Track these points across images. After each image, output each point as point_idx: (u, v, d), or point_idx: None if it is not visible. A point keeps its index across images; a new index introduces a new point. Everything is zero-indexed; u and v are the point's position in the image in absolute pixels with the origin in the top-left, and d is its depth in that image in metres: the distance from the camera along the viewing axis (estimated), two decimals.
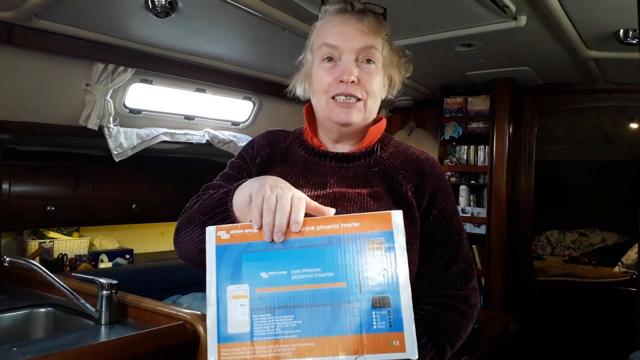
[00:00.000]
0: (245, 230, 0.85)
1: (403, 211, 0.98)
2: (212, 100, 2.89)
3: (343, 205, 1.01)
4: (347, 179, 1.05)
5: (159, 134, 2.69)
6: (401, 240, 0.83)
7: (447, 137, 3.41)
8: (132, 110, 2.59)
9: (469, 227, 3.36)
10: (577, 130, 5.18)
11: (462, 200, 3.39)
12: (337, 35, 1.02)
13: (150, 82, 2.54)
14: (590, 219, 5.89)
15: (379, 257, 0.81)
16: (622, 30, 2.11)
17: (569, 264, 5.29)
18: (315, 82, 1.05)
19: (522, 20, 2.01)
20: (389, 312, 0.79)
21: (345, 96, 1.01)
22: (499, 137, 3.21)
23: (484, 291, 3.24)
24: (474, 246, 3.33)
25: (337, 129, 1.07)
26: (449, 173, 3.44)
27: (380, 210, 0.97)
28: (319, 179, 1.05)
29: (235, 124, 3.14)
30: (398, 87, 1.12)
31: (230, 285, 0.82)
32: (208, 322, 0.81)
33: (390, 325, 0.78)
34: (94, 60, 2.21)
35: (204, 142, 2.91)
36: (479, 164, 3.34)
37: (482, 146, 3.33)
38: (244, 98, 3.03)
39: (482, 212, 3.30)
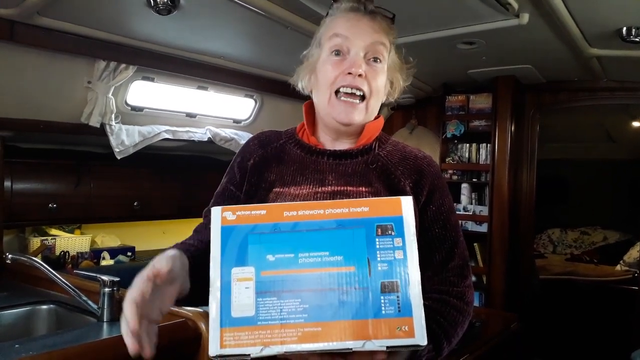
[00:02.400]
0: (253, 212, 0.83)
1: None
2: (213, 98, 2.89)
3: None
4: (345, 176, 1.05)
5: (160, 131, 2.69)
6: (411, 225, 0.82)
7: (448, 135, 3.41)
8: (133, 108, 2.60)
9: (470, 225, 3.36)
10: (579, 129, 5.17)
11: (464, 199, 3.39)
12: (349, 28, 1.03)
13: (152, 80, 2.54)
14: (592, 217, 5.88)
15: (388, 242, 0.80)
16: (625, 28, 2.10)
17: (571, 262, 5.29)
18: (321, 75, 1.06)
19: (525, 18, 2.01)
20: (397, 297, 0.78)
21: (351, 88, 1.02)
22: (501, 135, 3.21)
23: (485, 289, 3.25)
24: (475, 244, 3.33)
25: (336, 127, 1.07)
26: (450, 171, 3.44)
27: None
28: (317, 176, 1.05)
29: (237, 121, 3.14)
30: (398, 93, 1.14)
31: (235, 267, 0.80)
32: (211, 305, 0.78)
33: (399, 311, 0.77)
34: (95, 58, 2.22)
35: (206, 139, 2.91)
36: (481, 162, 3.33)
37: (483, 144, 3.32)
38: (246, 96, 3.03)
39: (483, 210, 3.30)
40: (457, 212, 3.35)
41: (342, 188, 1.03)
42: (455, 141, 3.44)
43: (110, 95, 2.36)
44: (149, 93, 2.62)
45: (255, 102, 3.12)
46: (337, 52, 1.03)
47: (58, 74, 2.19)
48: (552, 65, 2.82)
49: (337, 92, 1.03)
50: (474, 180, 3.39)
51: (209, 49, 2.38)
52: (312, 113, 1.13)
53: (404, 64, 1.13)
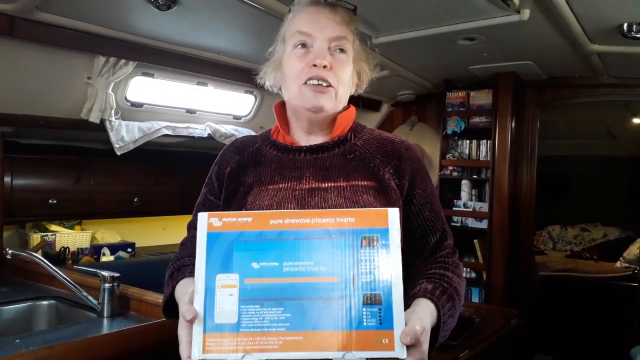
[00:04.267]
0: (239, 219, 0.84)
1: (381, 194, 1.00)
2: (213, 94, 2.89)
3: (320, 195, 1.01)
4: (323, 170, 1.05)
5: (160, 127, 2.69)
6: (396, 238, 0.82)
7: (449, 132, 3.40)
8: (133, 104, 2.59)
9: (470, 222, 3.36)
10: (579, 125, 5.16)
11: (464, 195, 3.39)
12: (310, 23, 1.04)
13: (152, 76, 2.53)
14: (592, 214, 5.87)
15: (373, 253, 0.81)
16: (626, 24, 2.09)
17: (571, 259, 5.28)
18: (287, 69, 1.07)
19: (526, 13, 2.00)
20: (379, 309, 0.78)
21: (317, 80, 1.02)
22: (501, 131, 3.20)
23: (485, 286, 3.25)
24: (475, 241, 3.33)
25: (307, 117, 1.07)
26: (450, 167, 3.43)
27: (358, 197, 0.98)
28: (295, 173, 1.05)
29: (236, 117, 3.14)
30: (367, 84, 1.15)
31: (219, 274, 0.81)
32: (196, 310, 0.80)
33: (380, 323, 0.78)
34: (95, 54, 2.21)
35: (206, 135, 2.91)
36: (481, 158, 3.32)
37: (484, 141, 3.31)
38: (246, 92, 3.03)
39: (484, 207, 3.30)
40: (457, 209, 3.37)
41: (319, 184, 1.03)
42: (456, 137, 3.44)
43: (110, 91, 2.35)
44: (149, 89, 2.61)
45: (255, 98, 3.11)
46: (301, 45, 1.05)
47: (58, 70, 2.19)
48: (553, 61, 2.81)
49: (304, 83, 1.03)
50: (474, 176, 3.38)
51: (209, 44, 2.37)
52: (284, 113, 1.14)
53: (369, 54, 1.14)
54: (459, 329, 2.05)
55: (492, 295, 3.20)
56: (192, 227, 1.10)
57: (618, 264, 4.89)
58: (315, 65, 1.01)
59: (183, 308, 0.83)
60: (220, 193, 1.10)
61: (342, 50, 1.05)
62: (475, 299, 3.27)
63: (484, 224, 3.28)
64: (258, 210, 0.99)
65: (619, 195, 5.67)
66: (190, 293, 0.84)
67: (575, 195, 6.00)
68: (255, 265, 0.81)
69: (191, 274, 0.91)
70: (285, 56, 1.08)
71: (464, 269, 3.32)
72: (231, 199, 1.08)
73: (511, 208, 3.24)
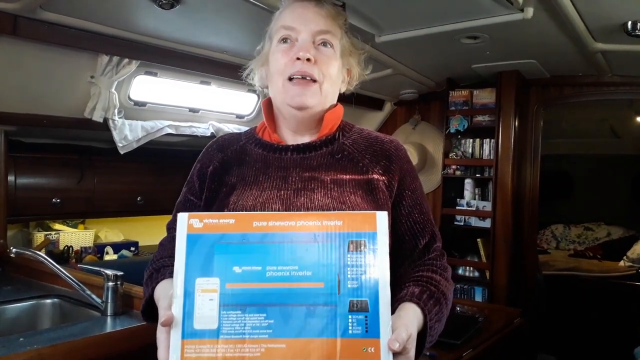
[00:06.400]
0: (221, 220, 0.81)
1: (369, 195, 0.98)
2: (216, 93, 2.89)
3: (306, 195, 0.98)
4: (310, 170, 1.02)
5: (163, 126, 2.69)
6: (384, 242, 0.79)
7: (452, 130, 3.39)
8: (137, 103, 2.59)
9: (473, 221, 3.35)
10: (583, 124, 5.14)
11: (467, 194, 3.38)
12: (295, 18, 1.03)
13: (155, 75, 2.53)
14: (596, 213, 5.86)
15: (360, 258, 0.78)
16: (630, 22, 2.08)
17: (574, 258, 5.27)
18: (272, 64, 1.05)
19: (529, 12, 1.99)
20: (366, 317, 0.76)
21: (302, 75, 1.00)
22: (505, 130, 3.20)
23: (488, 285, 3.24)
24: (478, 240, 3.33)
25: (294, 115, 1.05)
26: (454, 166, 3.43)
27: (345, 197, 0.96)
28: (280, 173, 1.02)
29: (239, 116, 3.14)
30: (357, 81, 1.13)
31: (199, 277, 0.78)
32: (173, 315, 0.77)
33: (366, 331, 0.75)
34: (98, 53, 2.21)
35: (209, 134, 2.91)
36: (485, 157, 3.31)
37: (487, 139, 3.30)
38: (249, 91, 3.02)
39: (487, 206, 3.29)
40: (461, 208, 3.37)
41: (306, 184, 1.00)
42: (459, 136, 3.43)
43: (113, 90, 2.36)
44: (152, 88, 2.61)
45: (258, 97, 3.11)
46: (286, 40, 1.03)
47: (61, 69, 2.19)
48: (557, 60, 2.80)
49: (289, 79, 1.02)
50: (477, 175, 3.38)
51: (212, 43, 2.37)
52: (272, 110, 1.11)
53: (359, 50, 1.12)
54: (462, 328, 2.05)
55: (495, 295, 3.20)
56: (172, 228, 1.08)
57: (622, 263, 4.88)
58: (299, 59, 0.99)
59: (161, 312, 0.81)
60: (201, 193, 1.07)
61: (327, 44, 1.03)
62: (478, 298, 3.27)
63: (487, 223, 3.27)
64: (241, 211, 0.96)
65: (623, 194, 5.66)
66: (170, 296, 0.81)
67: (578, 195, 5.99)
68: (237, 269, 0.78)
69: (171, 275, 0.88)
70: (271, 51, 1.06)
71: (467, 268, 3.36)
72: (213, 199, 1.05)
73: (514, 207, 3.24)
